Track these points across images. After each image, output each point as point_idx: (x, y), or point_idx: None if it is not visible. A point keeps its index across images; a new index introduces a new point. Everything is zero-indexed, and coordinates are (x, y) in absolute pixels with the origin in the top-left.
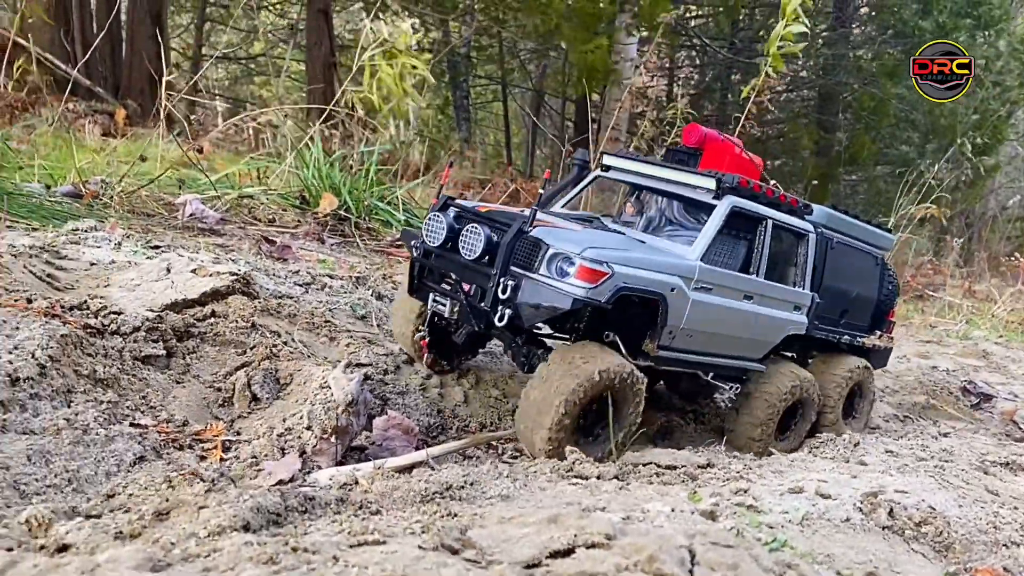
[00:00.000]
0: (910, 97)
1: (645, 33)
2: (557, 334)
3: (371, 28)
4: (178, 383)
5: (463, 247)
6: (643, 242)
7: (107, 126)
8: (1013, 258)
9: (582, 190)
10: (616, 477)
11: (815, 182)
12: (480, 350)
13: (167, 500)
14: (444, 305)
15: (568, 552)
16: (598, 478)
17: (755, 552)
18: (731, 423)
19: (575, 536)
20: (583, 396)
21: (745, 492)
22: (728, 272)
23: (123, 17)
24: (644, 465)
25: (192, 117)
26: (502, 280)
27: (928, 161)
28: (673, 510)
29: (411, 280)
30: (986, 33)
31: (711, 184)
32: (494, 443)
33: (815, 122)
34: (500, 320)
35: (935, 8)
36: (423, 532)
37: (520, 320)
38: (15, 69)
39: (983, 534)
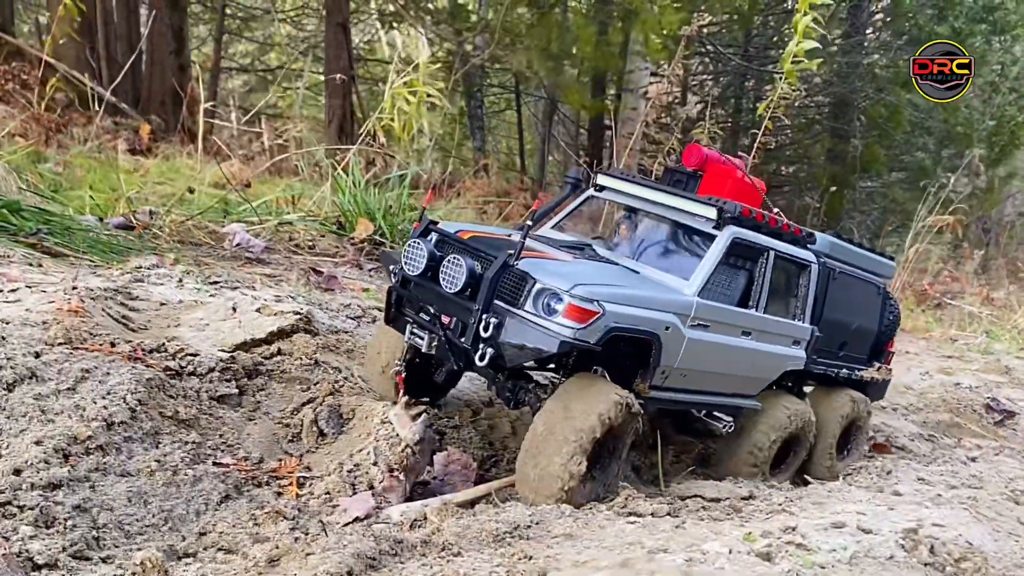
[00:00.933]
0: (925, 104)
1: (661, 62)
2: (543, 370)
3: (387, 42)
4: (250, 420)
5: (444, 279)
6: (636, 272)
7: (132, 142)
8: None
9: (575, 209)
10: (668, 514)
11: (833, 188)
12: (455, 386)
13: (276, 547)
14: (422, 339)
15: None
16: (652, 515)
17: None
18: (725, 455)
19: None
20: (599, 435)
21: (793, 530)
22: (726, 308)
23: (142, 31)
24: (691, 498)
25: (215, 135)
26: (484, 317)
27: (944, 171)
28: (731, 551)
29: (388, 309)
30: (1002, 38)
31: (712, 213)
32: None
33: (829, 129)
34: (481, 359)
35: (951, 14)
36: (506, 574)
37: (503, 360)
38: (48, 88)
39: (1019, 568)
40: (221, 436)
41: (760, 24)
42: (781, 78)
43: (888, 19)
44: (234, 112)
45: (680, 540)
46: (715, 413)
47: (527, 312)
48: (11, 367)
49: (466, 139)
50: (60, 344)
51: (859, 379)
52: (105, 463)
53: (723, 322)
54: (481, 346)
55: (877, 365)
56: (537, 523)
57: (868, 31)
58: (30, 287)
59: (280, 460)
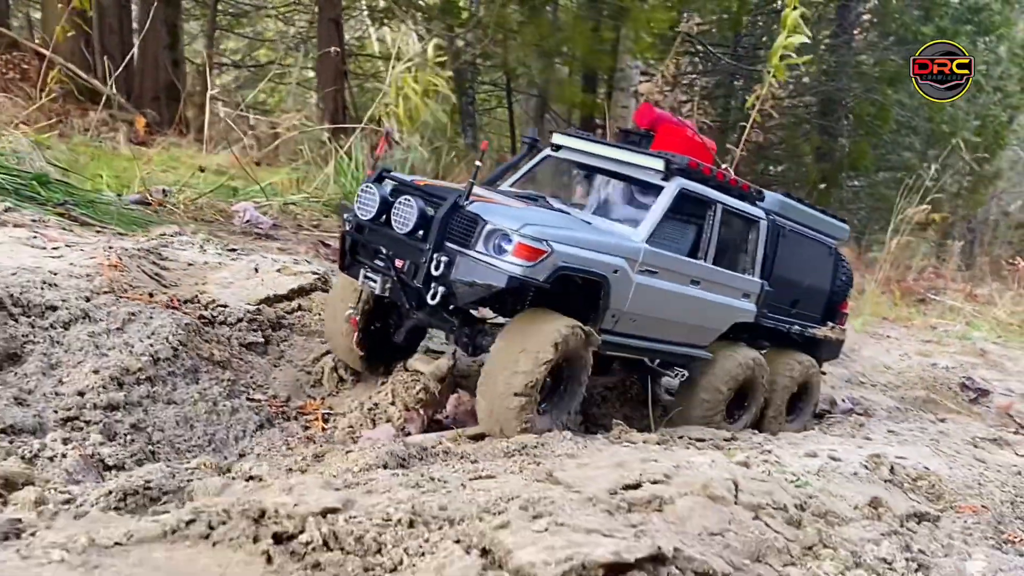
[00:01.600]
0: (911, 103)
1: (651, 61)
2: (496, 316)
3: (377, 38)
4: (275, 366)
5: (395, 220)
6: (588, 223)
7: (128, 134)
8: (1014, 262)
9: (532, 168)
10: (659, 443)
11: (823, 186)
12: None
13: (320, 446)
14: (375, 281)
15: (637, 486)
16: (644, 442)
17: (784, 486)
18: (681, 403)
19: (640, 475)
20: (551, 363)
21: (769, 453)
22: (675, 256)
23: (134, 25)
24: (679, 437)
25: (210, 128)
26: (435, 256)
27: (930, 166)
28: (714, 461)
29: (342, 255)
30: (987, 39)
31: (659, 165)
32: None
33: (817, 128)
34: (433, 298)
35: (936, 14)
36: (520, 471)
37: (454, 298)
38: (50, 80)
39: (968, 488)
40: (251, 377)
41: (749, 24)
42: (770, 73)
43: (875, 19)
44: (224, 107)
45: (669, 456)
46: (667, 362)
47: (478, 252)
48: (66, 308)
49: (457, 136)
50: (105, 292)
51: (812, 336)
52: (154, 392)
53: (671, 269)
54: (433, 285)
55: (831, 324)
56: (542, 444)
57: (856, 31)
58: (69, 246)
59: (305, 401)
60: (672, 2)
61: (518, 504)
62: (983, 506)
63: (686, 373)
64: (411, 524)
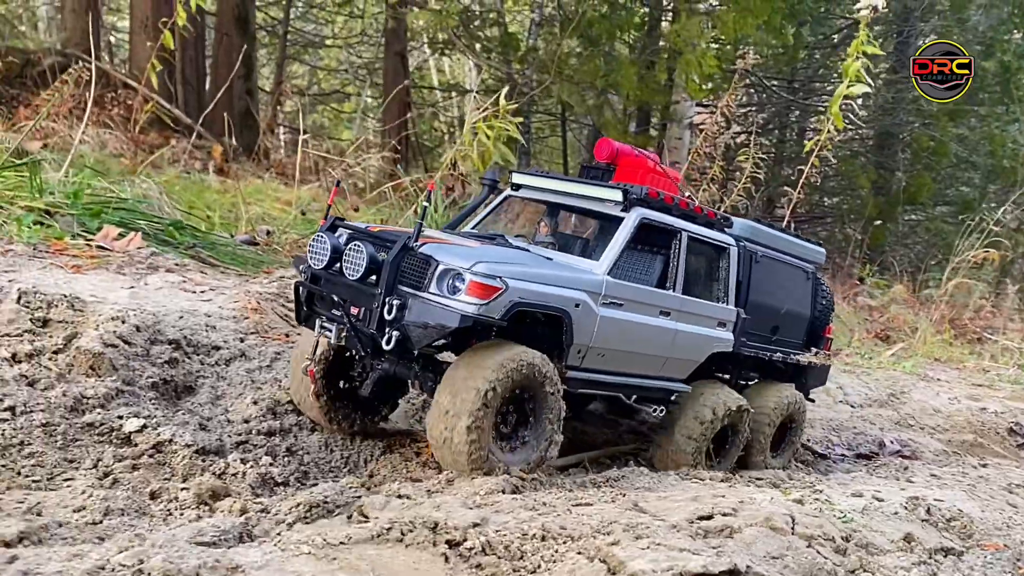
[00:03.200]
0: (971, 138)
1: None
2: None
3: (436, 67)
4: None
5: (346, 267)
6: (549, 259)
7: (207, 163)
8: None
9: (493, 210)
10: (722, 480)
11: (877, 222)
12: (397, 404)
13: (449, 475)
14: (331, 331)
15: (710, 517)
16: (710, 479)
17: (832, 521)
18: (661, 442)
19: (712, 508)
20: (497, 390)
21: (820, 492)
22: (640, 287)
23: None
24: (739, 474)
25: (282, 156)
26: (387, 300)
27: (991, 204)
28: (772, 499)
29: (298, 307)
30: None
31: (618, 196)
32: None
33: (873, 161)
34: (387, 343)
35: (999, 49)
36: (612, 501)
37: (409, 342)
38: (142, 112)
39: (997, 529)
40: None
41: (806, 56)
42: (828, 119)
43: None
44: (312, 142)
45: (734, 493)
46: (645, 398)
47: (431, 293)
48: (227, 348)
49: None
50: (252, 333)
51: (795, 363)
52: (300, 420)
53: (638, 301)
54: (387, 330)
55: (815, 350)
56: (623, 478)
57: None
58: (213, 290)
59: (414, 429)
60: (726, 39)
61: (620, 527)
62: (1005, 544)
63: (664, 409)
64: (543, 538)
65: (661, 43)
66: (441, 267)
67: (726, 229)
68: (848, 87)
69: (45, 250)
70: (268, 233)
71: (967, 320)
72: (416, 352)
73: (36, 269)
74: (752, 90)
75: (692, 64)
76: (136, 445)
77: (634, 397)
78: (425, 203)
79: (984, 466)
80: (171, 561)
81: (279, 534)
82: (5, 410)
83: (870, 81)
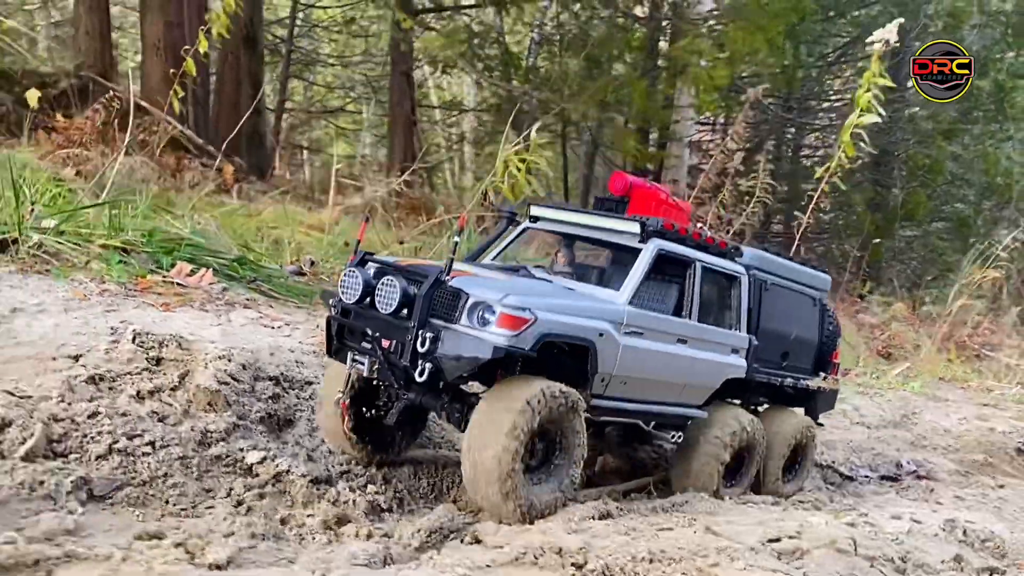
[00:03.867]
0: (965, 156)
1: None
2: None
3: (436, 85)
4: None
5: (379, 301)
6: (571, 289)
7: (219, 183)
8: None
9: (511, 242)
10: (774, 504)
11: (876, 240)
12: (418, 435)
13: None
14: (363, 364)
15: (778, 539)
16: (763, 504)
17: (888, 544)
18: (676, 467)
19: (779, 531)
20: (527, 427)
21: (866, 515)
22: (659, 316)
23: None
24: (786, 497)
25: (289, 175)
26: (420, 333)
27: (985, 222)
28: (827, 523)
29: (329, 341)
30: None
31: (635, 228)
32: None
33: (870, 179)
34: (420, 375)
35: (992, 69)
36: (688, 526)
37: (442, 374)
38: (163, 136)
39: None
40: (444, 436)
41: (803, 76)
42: (839, 147)
43: None
44: (335, 162)
45: (791, 516)
46: (662, 424)
47: (463, 325)
48: (317, 382)
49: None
50: None
51: (805, 388)
52: None
53: (657, 329)
54: (420, 362)
55: (823, 375)
56: (686, 503)
57: (909, 84)
58: (288, 324)
59: None
60: (729, 57)
61: (713, 550)
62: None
63: (682, 435)
64: (651, 561)
65: (660, 62)
66: (472, 300)
67: (736, 259)
68: (859, 117)
69: (133, 288)
70: (312, 263)
71: (966, 337)
72: (444, 384)
73: (132, 308)
74: (752, 109)
75: (702, 78)
76: (258, 475)
77: (652, 424)
78: (456, 238)
79: (1001, 487)
80: None
81: (425, 557)
82: (147, 444)
83: (881, 111)
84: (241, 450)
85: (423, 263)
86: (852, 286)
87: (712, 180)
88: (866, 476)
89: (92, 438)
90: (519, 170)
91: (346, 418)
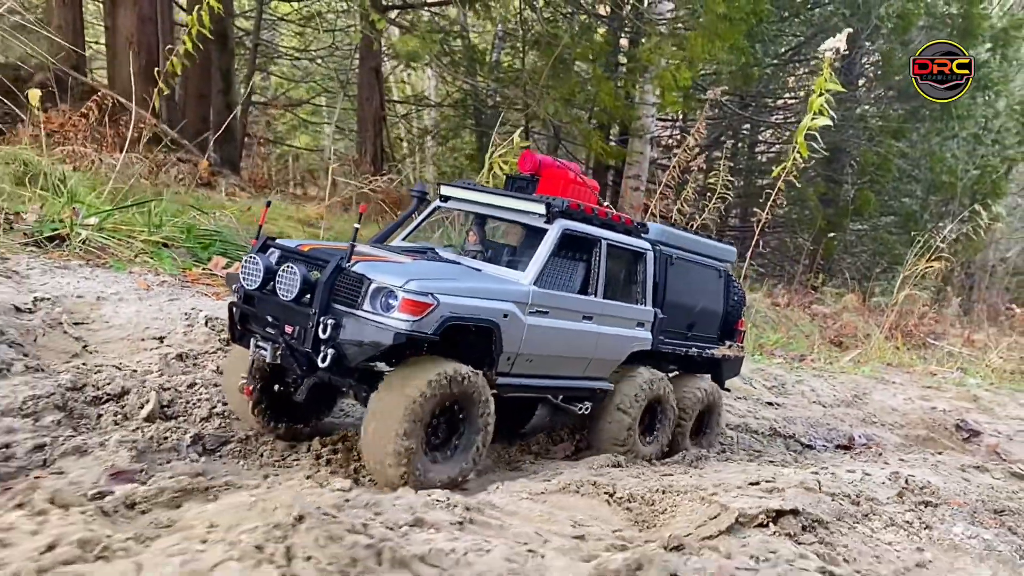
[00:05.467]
0: (912, 154)
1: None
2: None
3: (401, 79)
4: None
5: (280, 288)
6: (478, 270)
7: (195, 176)
8: (1011, 308)
9: (422, 222)
10: (749, 460)
11: (831, 235)
12: (332, 406)
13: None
14: (265, 350)
15: (758, 483)
16: (739, 460)
17: (844, 485)
18: (594, 433)
19: (757, 476)
20: (423, 406)
21: (826, 468)
22: (564, 295)
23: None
24: (760, 457)
25: (255, 168)
26: (322, 320)
27: (932, 217)
28: (795, 472)
29: (232, 327)
30: (986, 95)
31: (541, 209)
32: None
33: (823, 176)
34: (323, 361)
35: None
36: (685, 473)
37: (344, 359)
38: (146, 131)
39: (957, 494)
40: None
41: (758, 74)
42: (794, 148)
43: (879, 73)
44: (331, 161)
45: (764, 469)
46: (570, 398)
47: (365, 311)
48: None
49: (475, 172)
50: None
51: (711, 356)
52: None
53: (562, 308)
54: (322, 348)
55: (728, 343)
56: (677, 462)
57: (860, 82)
58: None
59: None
60: (689, 57)
61: (711, 484)
62: (964, 502)
63: (590, 405)
64: (664, 492)
65: (623, 61)
66: (374, 285)
67: (643, 235)
68: (812, 120)
69: (184, 279)
70: None
71: (912, 326)
72: (350, 373)
73: (190, 296)
74: (712, 108)
75: (667, 80)
76: (331, 434)
77: (560, 397)
78: (356, 225)
79: (940, 454)
80: (453, 501)
81: (491, 487)
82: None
83: (832, 115)
84: None
85: (327, 246)
86: (806, 278)
87: (676, 177)
88: (823, 445)
89: (194, 404)
90: (502, 170)
91: (251, 401)
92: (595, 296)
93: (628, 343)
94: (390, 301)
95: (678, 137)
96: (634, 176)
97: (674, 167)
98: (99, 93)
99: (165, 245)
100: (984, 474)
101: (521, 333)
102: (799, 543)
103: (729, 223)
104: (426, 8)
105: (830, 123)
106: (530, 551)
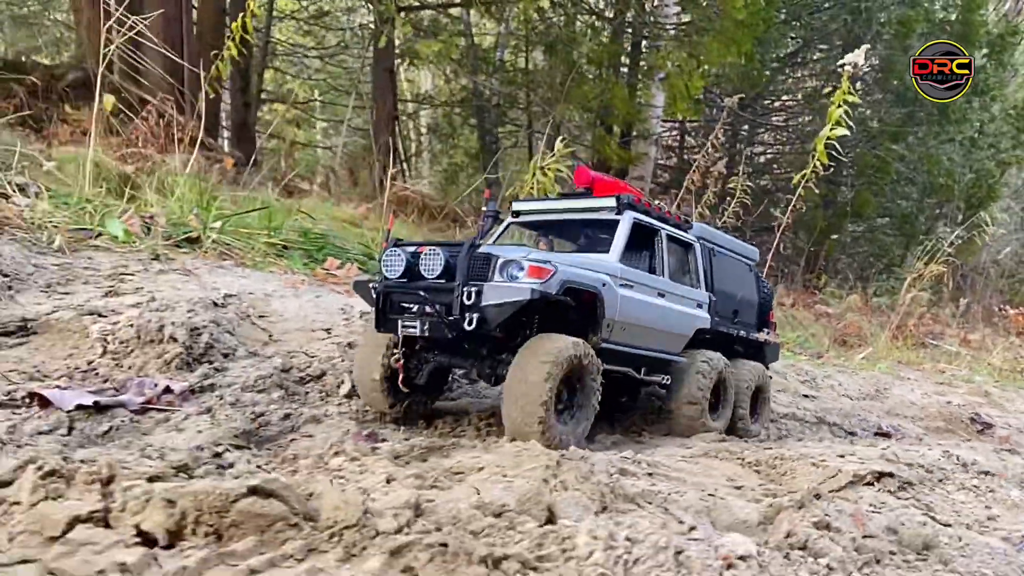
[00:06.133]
0: (911, 157)
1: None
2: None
3: (406, 78)
4: None
5: (425, 269)
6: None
7: (223, 174)
8: (1004, 310)
9: (498, 239)
10: (821, 440)
11: (834, 236)
12: (443, 390)
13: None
14: (415, 326)
15: (843, 455)
16: (816, 441)
17: (915, 458)
18: (669, 405)
19: (842, 451)
20: (555, 375)
21: (888, 448)
22: (643, 272)
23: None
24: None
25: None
26: (465, 289)
27: (927, 219)
28: (868, 447)
29: (378, 316)
30: (981, 99)
31: (611, 203)
32: None
33: (822, 179)
34: (469, 324)
35: None
36: (781, 447)
37: (486, 323)
38: (186, 132)
39: (1001, 470)
40: None
41: (762, 78)
42: (813, 157)
43: (878, 77)
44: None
45: (842, 446)
46: (652, 370)
47: (497, 281)
48: None
49: (476, 172)
50: None
51: (755, 340)
52: None
53: (642, 283)
54: (467, 314)
55: (767, 331)
56: (765, 439)
57: (858, 85)
58: None
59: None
60: (703, 62)
61: (817, 452)
62: (1009, 475)
63: (669, 378)
64: (781, 459)
65: (629, 64)
66: (501, 260)
67: (688, 230)
68: (831, 130)
69: (314, 278)
70: None
71: (911, 327)
72: (483, 346)
73: (328, 293)
74: (708, 107)
75: (679, 87)
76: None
77: (643, 370)
78: (485, 208)
79: (967, 441)
80: (637, 459)
81: (647, 450)
82: None
83: (851, 124)
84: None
85: (447, 242)
86: (807, 279)
87: (695, 182)
88: (864, 432)
89: None
90: (546, 176)
91: (402, 373)
92: (663, 277)
93: (693, 320)
94: (516, 272)
95: (679, 138)
96: (639, 177)
97: (694, 171)
98: (159, 96)
99: (284, 247)
100: (1015, 455)
101: (616, 301)
102: (898, 498)
103: (731, 223)
104: (435, 9)
105: (847, 133)
106: (710, 495)
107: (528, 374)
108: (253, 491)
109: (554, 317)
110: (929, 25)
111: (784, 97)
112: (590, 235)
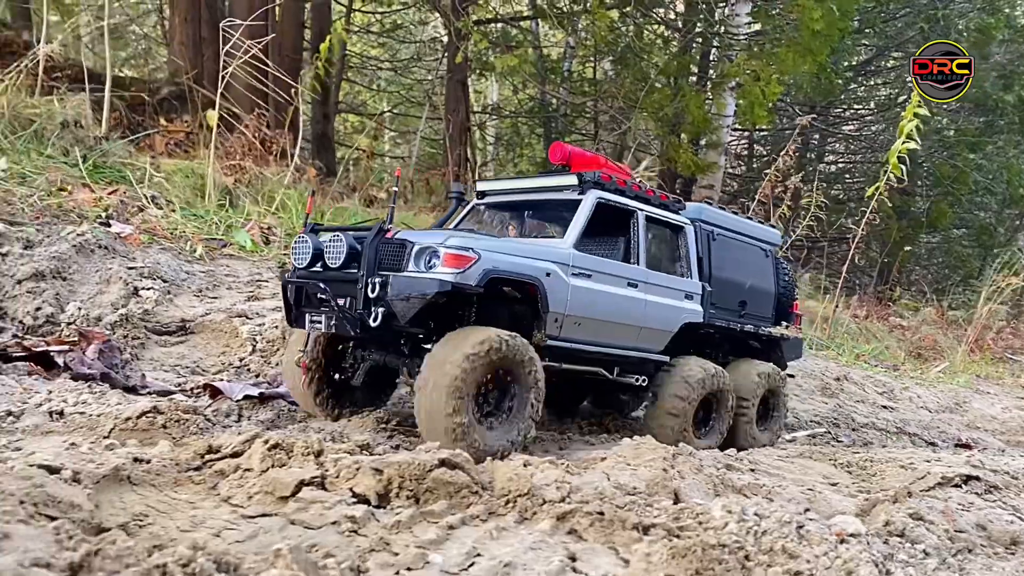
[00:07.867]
0: (989, 167)
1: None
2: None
3: (475, 89)
4: None
5: (328, 257)
6: (516, 243)
7: (309, 185)
8: None
9: (461, 221)
10: (901, 448)
11: (908, 248)
12: (391, 392)
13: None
14: (320, 322)
15: (928, 460)
16: (897, 448)
17: (1001, 467)
18: (648, 416)
19: (926, 457)
20: (466, 380)
21: (973, 456)
22: (605, 260)
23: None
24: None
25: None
26: (370, 280)
27: (1006, 231)
28: (953, 456)
29: (287, 310)
30: None
31: (573, 181)
32: None
33: (896, 189)
34: (374, 320)
35: (1017, 83)
36: (867, 452)
37: (394, 318)
38: (278, 144)
39: None
40: None
41: (836, 87)
42: (887, 170)
43: None
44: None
45: (925, 452)
46: (625, 371)
47: (410, 272)
48: None
49: None
50: None
51: (767, 335)
52: None
53: (606, 272)
54: (372, 308)
55: (785, 324)
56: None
57: None
58: None
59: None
60: (780, 71)
61: (903, 458)
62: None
63: (646, 379)
64: (871, 461)
65: (699, 73)
66: (416, 247)
67: (679, 211)
68: (903, 144)
69: None
70: None
71: (989, 341)
72: (403, 340)
73: None
74: (781, 118)
75: (755, 95)
76: None
77: (616, 371)
78: (395, 188)
79: None
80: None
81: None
82: None
83: (924, 137)
84: None
85: (359, 227)
86: (880, 290)
87: (768, 197)
88: (944, 443)
89: None
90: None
91: (305, 376)
92: (638, 265)
93: (678, 314)
94: (433, 259)
95: (747, 147)
96: (708, 186)
97: (767, 184)
98: (257, 113)
99: None
100: None
101: (566, 293)
102: (985, 500)
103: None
104: (507, 22)
105: (918, 147)
106: (810, 489)
107: (437, 371)
108: (442, 463)
109: (493, 311)
110: (1010, 32)
111: (857, 106)
112: (556, 217)
